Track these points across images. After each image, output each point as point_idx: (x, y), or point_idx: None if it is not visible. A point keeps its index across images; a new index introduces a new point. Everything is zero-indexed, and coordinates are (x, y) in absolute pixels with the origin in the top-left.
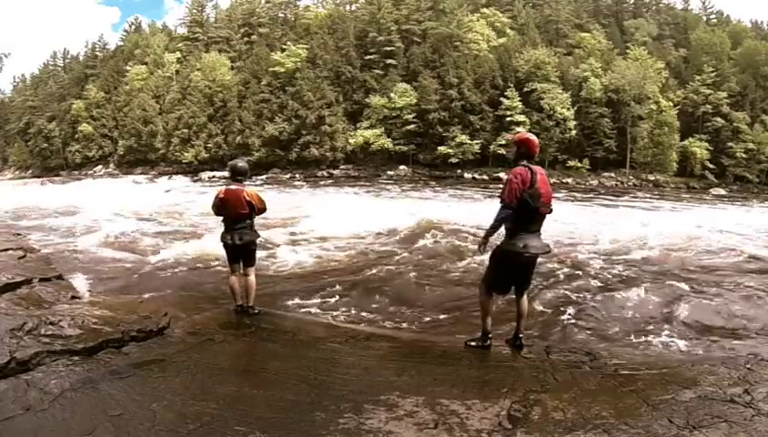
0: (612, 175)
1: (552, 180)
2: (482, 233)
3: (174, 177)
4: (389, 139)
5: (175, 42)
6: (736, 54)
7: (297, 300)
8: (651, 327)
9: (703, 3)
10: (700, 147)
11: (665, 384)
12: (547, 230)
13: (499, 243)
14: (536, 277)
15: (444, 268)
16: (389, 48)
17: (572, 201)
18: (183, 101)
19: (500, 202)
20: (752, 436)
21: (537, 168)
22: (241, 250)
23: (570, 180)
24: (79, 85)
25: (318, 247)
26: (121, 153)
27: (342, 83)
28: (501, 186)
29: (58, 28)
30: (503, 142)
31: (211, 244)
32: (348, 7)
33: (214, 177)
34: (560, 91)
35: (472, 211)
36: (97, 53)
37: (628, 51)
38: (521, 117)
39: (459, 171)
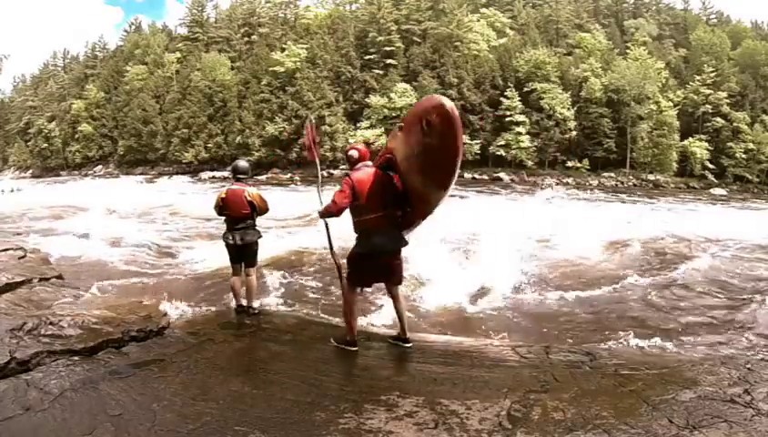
0: (612, 175)
1: (552, 180)
2: None
3: (173, 176)
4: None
5: (175, 42)
6: (736, 54)
7: (297, 299)
8: (651, 326)
9: (703, 3)
10: (700, 147)
11: (665, 384)
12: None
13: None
14: (535, 277)
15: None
16: (388, 48)
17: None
18: (183, 101)
19: None
20: (753, 436)
21: None
22: (243, 250)
23: (570, 180)
24: (79, 85)
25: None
26: (121, 153)
27: (342, 83)
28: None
29: (64, 27)
30: (503, 142)
31: (212, 244)
32: (348, 7)
33: (214, 177)
34: (560, 91)
35: None
36: (97, 53)
37: (628, 51)
38: (521, 117)
39: (458, 171)
